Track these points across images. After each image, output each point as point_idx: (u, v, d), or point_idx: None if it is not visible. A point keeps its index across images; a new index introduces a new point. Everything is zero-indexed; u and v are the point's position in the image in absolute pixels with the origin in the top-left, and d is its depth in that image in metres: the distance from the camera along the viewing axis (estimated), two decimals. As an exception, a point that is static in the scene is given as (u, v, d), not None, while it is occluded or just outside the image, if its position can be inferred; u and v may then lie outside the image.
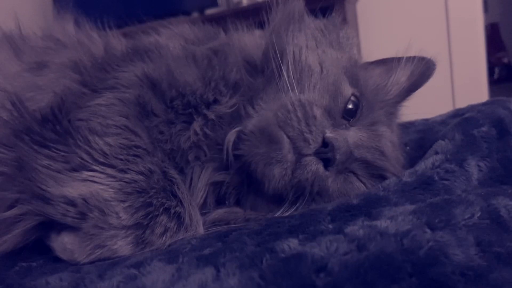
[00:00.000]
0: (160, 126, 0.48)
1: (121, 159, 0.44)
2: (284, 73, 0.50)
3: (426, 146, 0.58)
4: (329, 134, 0.47)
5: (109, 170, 0.43)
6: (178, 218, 0.44)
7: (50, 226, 0.45)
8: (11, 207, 0.45)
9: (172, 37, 0.59)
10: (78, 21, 0.66)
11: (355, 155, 0.49)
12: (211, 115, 0.50)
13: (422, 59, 0.61)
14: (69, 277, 0.38)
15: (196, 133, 0.49)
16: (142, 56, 0.53)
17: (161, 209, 0.43)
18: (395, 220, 0.36)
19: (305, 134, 0.46)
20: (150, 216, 0.43)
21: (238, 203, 0.51)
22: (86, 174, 0.43)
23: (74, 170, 0.43)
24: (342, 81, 0.52)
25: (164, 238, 0.43)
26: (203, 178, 0.49)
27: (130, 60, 0.52)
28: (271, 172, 0.46)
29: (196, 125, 0.49)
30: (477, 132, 0.54)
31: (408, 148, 0.63)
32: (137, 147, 0.45)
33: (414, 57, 0.60)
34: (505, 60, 3.77)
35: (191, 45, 0.56)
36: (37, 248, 0.48)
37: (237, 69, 0.52)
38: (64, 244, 0.43)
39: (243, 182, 0.50)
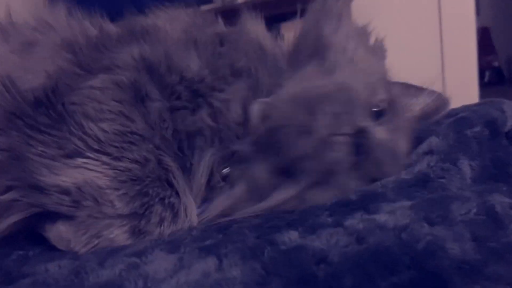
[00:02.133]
0: (160, 111, 0.47)
1: (116, 146, 0.43)
2: (329, 55, 0.51)
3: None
4: (363, 123, 0.46)
5: (103, 158, 0.43)
6: (172, 208, 0.44)
7: (45, 215, 0.44)
8: (4, 192, 0.44)
9: (170, 20, 0.57)
10: (70, 10, 0.66)
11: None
12: (216, 103, 0.49)
13: (440, 95, 0.63)
14: (69, 264, 0.38)
15: (202, 120, 0.48)
16: (138, 37, 0.51)
17: (157, 199, 0.43)
18: (394, 214, 0.37)
19: (341, 115, 0.45)
20: (146, 205, 0.43)
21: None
22: (80, 161, 0.42)
23: (68, 156, 0.42)
24: (379, 83, 0.52)
25: (161, 228, 0.43)
26: (205, 163, 0.48)
27: (126, 41, 0.51)
28: (303, 142, 0.44)
29: (203, 113, 0.48)
30: (470, 132, 0.55)
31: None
32: (132, 133, 0.44)
33: (435, 91, 0.63)
34: (496, 64, 3.82)
35: (190, 29, 0.55)
36: (33, 237, 0.48)
37: (248, 56, 0.51)
38: (60, 233, 0.43)
39: (251, 159, 0.48)
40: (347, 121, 0.45)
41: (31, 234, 0.48)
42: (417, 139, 0.67)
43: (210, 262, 0.33)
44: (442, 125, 0.62)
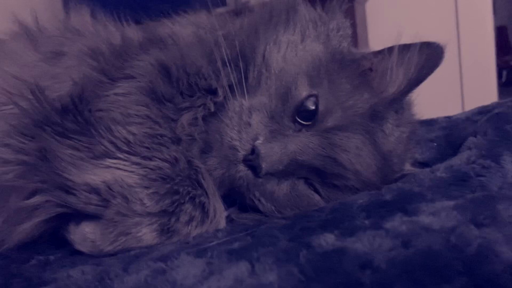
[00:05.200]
0: (179, 111, 0.46)
1: (146, 147, 0.43)
2: (249, 74, 0.49)
3: (455, 142, 0.56)
4: (259, 142, 0.45)
5: (133, 158, 0.42)
6: (203, 208, 0.43)
7: (68, 218, 0.43)
8: (31, 195, 0.43)
9: (187, 26, 0.57)
10: (94, 14, 0.66)
11: (300, 161, 0.46)
12: (211, 105, 0.47)
13: (426, 45, 0.53)
14: (92, 270, 0.36)
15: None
16: (158, 44, 0.52)
17: (187, 197, 0.42)
18: (438, 215, 0.34)
19: (234, 141, 0.45)
20: (176, 203, 0.41)
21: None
22: (109, 161, 0.42)
23: (97, 158, 0.42)
24: (298, 81, 0.48)
25: (189, 227, 0.42)
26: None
27: (146, 49, 0.51)
28: (214, 176, 0.46)
29: (199, 113, 0.47)
30: (510, 127, 0.52)
31: (435, 144, 0.61)
32: (162, 135, 0.44)
33: (414, 44, 0.52)
34: (513, 63, 3.74)
35: (200, 32, 0.53)
36: (52, 242, 0.46)
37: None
38: (85, 234, 0.42)
39: None
40: (238, 146, 0.46)
41: (52, 238, 0.47)
42: (450, 136, 0.64)
43: (242, 267, 0.31)
44: (477, 123, 0.60)
